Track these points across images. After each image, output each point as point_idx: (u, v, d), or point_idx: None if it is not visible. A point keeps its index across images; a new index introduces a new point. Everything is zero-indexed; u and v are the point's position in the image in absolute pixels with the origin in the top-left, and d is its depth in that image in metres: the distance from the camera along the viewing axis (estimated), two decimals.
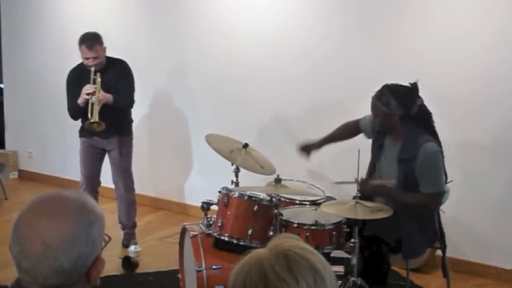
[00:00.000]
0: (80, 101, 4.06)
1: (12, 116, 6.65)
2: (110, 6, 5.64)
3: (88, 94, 4.01)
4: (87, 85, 4.04)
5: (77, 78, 4.18)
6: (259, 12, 4.76)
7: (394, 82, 3.11)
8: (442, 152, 3.07)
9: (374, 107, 3.11)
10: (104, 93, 4.04)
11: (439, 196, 3.06)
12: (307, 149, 3.53)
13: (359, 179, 3.06)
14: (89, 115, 4.03)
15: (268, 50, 4.73)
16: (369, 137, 3.36)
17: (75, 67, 4.27)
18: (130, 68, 4.29)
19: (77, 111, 4.15)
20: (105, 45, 4.15)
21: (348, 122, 3.50)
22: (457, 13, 3.96)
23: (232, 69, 4.93)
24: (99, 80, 4.05)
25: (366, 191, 3.06)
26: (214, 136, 3.66)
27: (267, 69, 4.76)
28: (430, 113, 3.12)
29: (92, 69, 4.06)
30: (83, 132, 4.30)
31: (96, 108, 4.01)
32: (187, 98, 5.27)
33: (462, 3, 3.95)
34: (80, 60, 4.18)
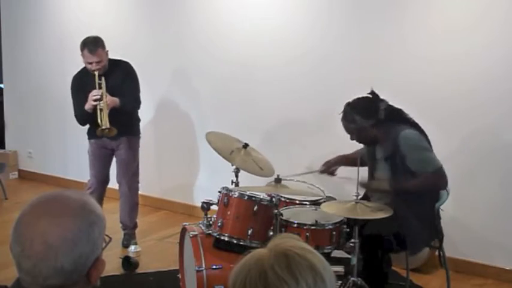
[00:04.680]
0: (88, 107, 4.02)
1: (12, 116, 6.65)
2: (109, 6, 5.64)
3: (95, 100, 3.97)
4: (94, 91, 3.99)
5: (81, 83, 4.14)
6: (260, 11, 4.76)
7: (354, 97, 3.18)
8: (424, 135, 3.10)
9: (344, 127, 3.20)
10: (111, 98, 4.00)
11: (441, 172, 3.05)
12: (328, 169, 3.53)
13: (360, 179, 3.08)
14: (99, 121, 3.98)
15: (269, 49, 4.74)
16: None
17: (78, 72, 4.22)
18: (134, 69, 4.25)
19: (85, 117, 4.11)
20: (107, 48, 4.10)
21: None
22: (457, 13, 3.96)
23: (233, 69, 4.93)
24: (104, 84, 4.01)
25: (369, 191, 3.17)
26: (214, 134, 3.63)
27: (267, 69, 4.76)
28: (399, 110, 3.17)
29: (96, 73, 4.01)
30: (92, 134, 4.25)
31: (106, 114, 3.96)
32: (188, 98, 5.27)
33: (462, 3, 3.95)
34: (81, 65, 4.15)
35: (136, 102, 4.25)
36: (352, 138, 3.22)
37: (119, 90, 4.09)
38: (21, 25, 6.29)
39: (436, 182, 3.08)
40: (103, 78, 4.03)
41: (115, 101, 4.02)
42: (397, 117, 3.14)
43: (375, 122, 3.10)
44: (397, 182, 3.07)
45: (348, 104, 3.17)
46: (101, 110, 3.98)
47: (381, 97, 3.15)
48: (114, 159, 4.39)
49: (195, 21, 5.10)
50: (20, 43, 6.36)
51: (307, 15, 4.56)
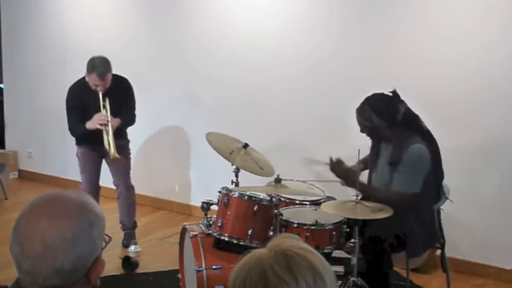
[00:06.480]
0: (91, 127, 3.98)
1: (12, 116, 6.65)
2: (110, 6, 5.64)
3: (101, 124, 3.95)
4: (100, 115, 3.95)
5: (79, 98, 4.09)
6: (260, 12, 4.76)
7: (375, 92, 3.09)
8: (434, 153, 3.04)
9: (358, 122, 3.13)
10: (114, 119, 4.01)
11: (406, 197, 2.97)
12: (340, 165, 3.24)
13: (333, 159, 3.14)
14: (106, 146, 3.96)
15: (269, 50, 4.74)
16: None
17: (76, 84, 4.15)
18: (131, 85, 4.25)
19: (83, 133, 4.06)
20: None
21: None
22: (457, 13, 3.96)
23: (232, 70, 4.93)
24: (108, 106, 3.98)
25: (336, 172, 3.13)
26: (214, 134, 3.63)
27: (267, 69, 4.76)
28: (416, 116, 3.09)
29: (100, 93, 3.97)
30: (82, 142, 4.24)
31: (113, 140, 3.94)
32: (188, 98, 5.27)
33: (462, 3, 3.95)
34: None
35: (133, 120, 4.30)
36: (362, 131, 3.15)
37: (118, 108, 4.08)
38: (21, 25, 6.29)
39: (392, 201, 2.90)
40: (107, 100, 3.99)
41: (118, 121, 4.05)
42: (413, 124, 3.06)
43: (390, 123, 3.04)
44: (367, 186, 3.07)
45: (367, 100, 3.07)
46: (107, 132, 3.96)
47: (401, 98, 3.06)
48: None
49: (194, 21, 5.10)
50: (20, 43, 6.36)
51: (307, 16, 4.56)
